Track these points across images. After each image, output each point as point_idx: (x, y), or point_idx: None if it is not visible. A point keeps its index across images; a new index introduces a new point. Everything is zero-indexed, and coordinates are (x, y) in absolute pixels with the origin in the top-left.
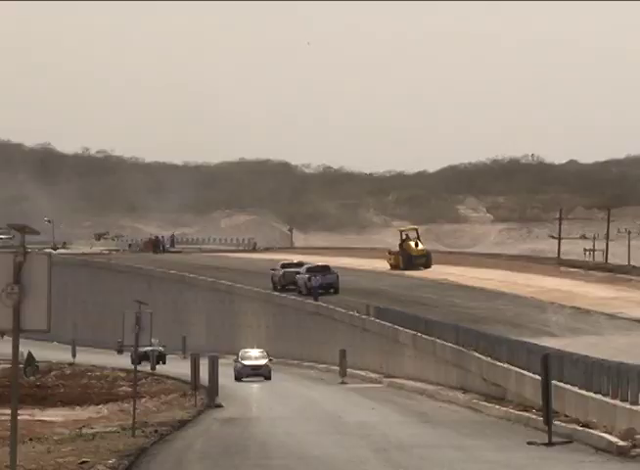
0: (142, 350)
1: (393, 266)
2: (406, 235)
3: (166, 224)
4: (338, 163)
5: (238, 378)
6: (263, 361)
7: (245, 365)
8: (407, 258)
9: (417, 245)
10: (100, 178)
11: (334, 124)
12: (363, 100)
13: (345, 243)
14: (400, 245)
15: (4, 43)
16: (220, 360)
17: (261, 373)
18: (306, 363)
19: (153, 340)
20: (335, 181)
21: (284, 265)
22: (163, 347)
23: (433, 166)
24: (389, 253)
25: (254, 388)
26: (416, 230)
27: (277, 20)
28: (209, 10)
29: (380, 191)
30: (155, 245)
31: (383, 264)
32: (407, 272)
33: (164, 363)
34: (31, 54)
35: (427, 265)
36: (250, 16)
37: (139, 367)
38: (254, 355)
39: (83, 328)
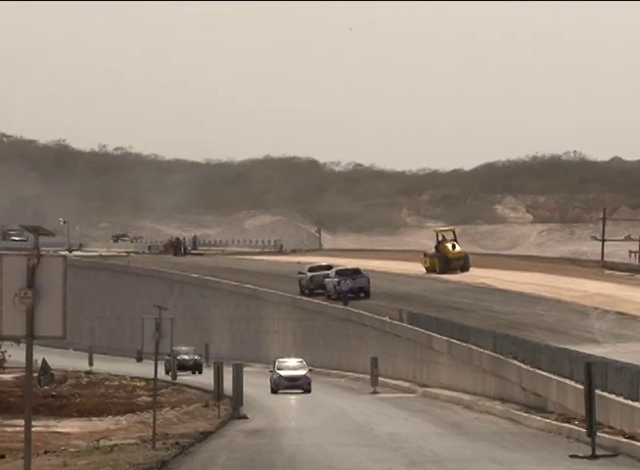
0: (179, 358)
1: (429, 270)
2: (443, 236)
3: (187, 225)
4: (368, 160)
5: (274, 390)
6: (302, 372)
7: (281, 376)
8: (444, 261)
9: (454, 247)
10: (117, 177)
11: (364, 121)
12: (395, 97)
13: (376, 245)
14: (436, 247)
15: (18, 42)
16: (245, 369)
17: (300, 385)
18: (335, 372)
19: (187, 348)
20: (365, 180)
21: (312, 268)
22: (199, 356)
23: (468, 164)
24: (425, 255)
25: (291, 400)
26: (453, 231)
27: (307, 12)
28: (233, 3)
29: (413, 190)
30: (175, 247)
31: (416, 267)
32: (442, 276)
33: (200, 373)
34: (46, 52)
35: (464, 268)
36: (276, 9)
37: (160, 376)
38: (292, 365)
39: (101, 335)
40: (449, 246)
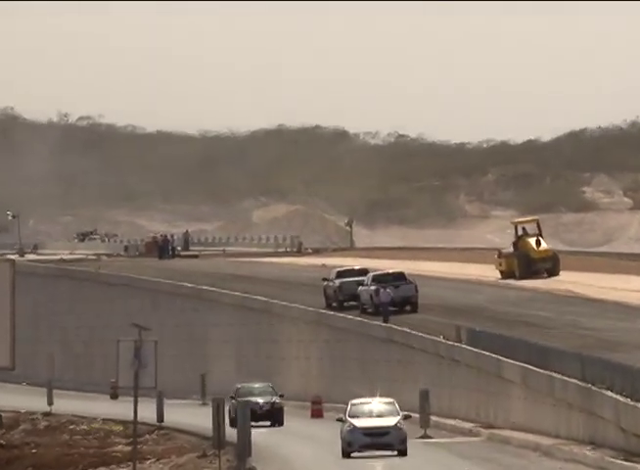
0: (250, 399)
1: (505, 274)
2: (523, 229)
3: (177, 219)
4: (415, 129)
5: (347, 452)
6: (392, 421)
7: (356, 428)
8: (525, 263)
9: (539, 243)
10: (83, 155)
11: (408, 81)
12: (447, 50)
13: (427, 241)
14: (515, 244)
15: None
16: None
17: (388, 443)
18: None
19: (260, 385)
20: (411, 156)
21: (341, 273)
22: (280, 396)
23: (547, 134)
24: (500, 255)
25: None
26: (537, 223)
27: None
28: None
29: (474, 168)
30: (161, 247)
31: (479, 270)
32: (514, 283)
33: (281, 424)
34: None
35: (553, 272)
36: None
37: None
38: (375, 410)
39: (63, 364)
40: (532, 242)
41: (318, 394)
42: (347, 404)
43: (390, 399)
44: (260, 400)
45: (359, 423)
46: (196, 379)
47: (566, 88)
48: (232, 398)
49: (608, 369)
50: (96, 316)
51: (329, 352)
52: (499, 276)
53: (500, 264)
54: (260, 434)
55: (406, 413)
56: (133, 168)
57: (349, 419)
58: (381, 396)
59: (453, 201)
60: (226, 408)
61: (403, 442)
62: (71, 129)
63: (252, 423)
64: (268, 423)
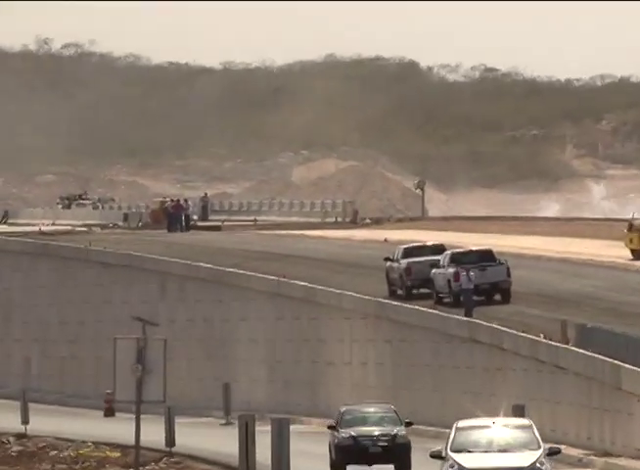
0: (356, 433)
1: (638, 253)
2: None
3: (193, 178)
4: (506, 62)
5: None
6: (525, 458)
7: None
8: None
9: None
10: (69, 94)
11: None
12: None
13: (521, 209)
14: None
15: None
16: (293, 427)
17: None
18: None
19: (374, 408)
20: (502, 96)
21: (409, 252)
22: (407, 424)
23: None
24: (631, 228)
25: None
26: None
27: None
28: None
29: (585, 113)
30: (172, 216)
31: (597, 248)
32: (637, 263)
33: (408, 468)
34: None
35: None
36: None
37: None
38: (499, 440)
39: (42, 369)
40: None
41: None
42: (451, 429)
43: (526, 421)
44: (375, 432)
45: (471, 462)
46: (217, 390)
47: None
48: (332, 427)
49: None
50: (86, 307)
51: (391, 354)
52: (629, 255)
53: (631, 241)
54: None
55: (553, 446)
56: (134, 112)
57: (452, 455)
58: (505, 414)
59: (557, 156)
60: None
61: None
62: (53, 60)
63: (364, 466)
64: (387, 467)
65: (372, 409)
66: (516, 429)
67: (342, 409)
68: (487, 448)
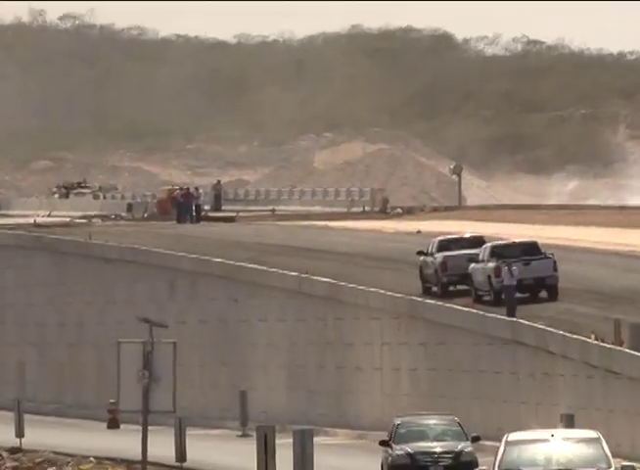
0: (418, 447)
1: None
2: None
3: (204, 164)
4: (551, 34)
5: None
6: None
7: None
8: None
9: None
10: (67, 72)
11: None
12: None
13: (569, 196)
14: None
15: None
16: (317, 439)
17: None
18: (491, 443)
19: (435, 419)
20: (547, 72)
21: (445, 244)
22: (475, 439)
23: None
24: None
25: None
26: None
27: None
28: None
29: (639, 89)
30: (181, 206)
31: None
32: None
33: None
34: None
35: None
36: None
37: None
38: (558, 456)
39: (39, 376)
40: None
41: None
42: (500, 443)
43: (592, 433)
44: (437, 448)
45: None
46: (233, 399)
47: None
48: (385, 443)
49: None
50: (87, 308)
51: (427, 359)
52: None
53: None
54: None
55: (627, 464)
56: (139, 91)
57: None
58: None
59: (609, 137)
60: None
61: None
62: (49, 33)
63: None
64: None
65: (432, 421)
66: (580, 443)
67: (397, 422)
68: (546, 467)
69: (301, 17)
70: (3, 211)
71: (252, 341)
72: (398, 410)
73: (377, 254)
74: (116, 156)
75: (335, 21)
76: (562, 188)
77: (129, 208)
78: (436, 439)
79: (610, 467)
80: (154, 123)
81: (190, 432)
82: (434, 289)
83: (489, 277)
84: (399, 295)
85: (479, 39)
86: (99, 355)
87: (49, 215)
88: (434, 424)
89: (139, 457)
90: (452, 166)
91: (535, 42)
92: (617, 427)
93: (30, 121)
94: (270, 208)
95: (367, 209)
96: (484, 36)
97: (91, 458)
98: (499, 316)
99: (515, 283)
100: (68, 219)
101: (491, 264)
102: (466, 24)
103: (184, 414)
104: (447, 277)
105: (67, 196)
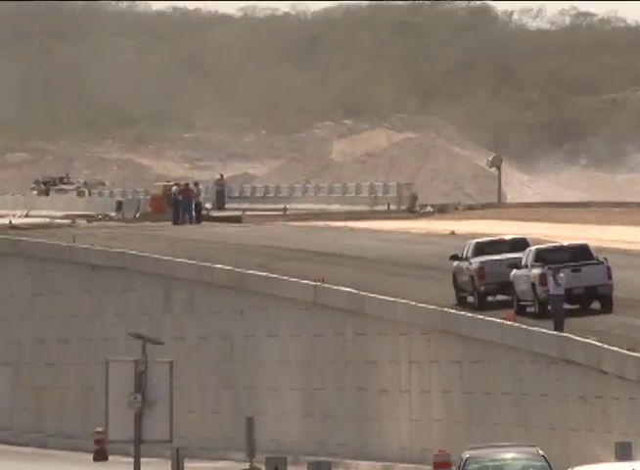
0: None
1: None
2: None
3: (205, 156)
4: (603, 6)
5: None
6: None
7: None
8: None
9: None
10: (49, 49)
11: None
12: None
13: (626, 191)
14: None
15: None
16: None
17: None
18: None
19: (514, 453)
20: (599, 49)
21: (482, 248)
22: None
23: None
24: None
25: None
26: None
27: None
28: None
29: None
30: (178, 204)
31: None
32: None
33: None
34: None
35: None
36: None
37: None
38: None
39: (16, 401)
40: None
41: (444, 451)
42: None
43: None
44: None
45: None
46: (239, 426)
47: None
48: None
49: None
50: (70, 322)
51: (462, 380)
52: None
53: None
54: None
55: None
56: (129, 72)
57: None
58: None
59: None
60: None
61: None
62: (25, 6)
63: None
64: None
65: (510, 455)
66: None
67: (466, 456)
68: None
69: None
70: None
71: (261, 359)
72: (429, 439)
73: (404, 259)
74: (103, 147)
75: None
76: (617, 182)
77: (119, 206)
78: None
79: None
80: (146, 109)
81: (189, 464)
82: (470, 299)
83: (533, 286)
84: (430, 306)
85: (521, 12)
86: (84, 377)
87: (26, 215)
88: (513, 459)
89: None
90: (490, 158)
91: (585, 15)
92: None
93: (4, 107)
94: (281, 206)
95: (393, 207)
96: (528, 9)
97: None
98: (545, 331)
99: (563, 292)
100: (48, 220)
101: (536, 271)
102: None
103: (182, 444)
104: (485, 286)
105: (47, 193)
